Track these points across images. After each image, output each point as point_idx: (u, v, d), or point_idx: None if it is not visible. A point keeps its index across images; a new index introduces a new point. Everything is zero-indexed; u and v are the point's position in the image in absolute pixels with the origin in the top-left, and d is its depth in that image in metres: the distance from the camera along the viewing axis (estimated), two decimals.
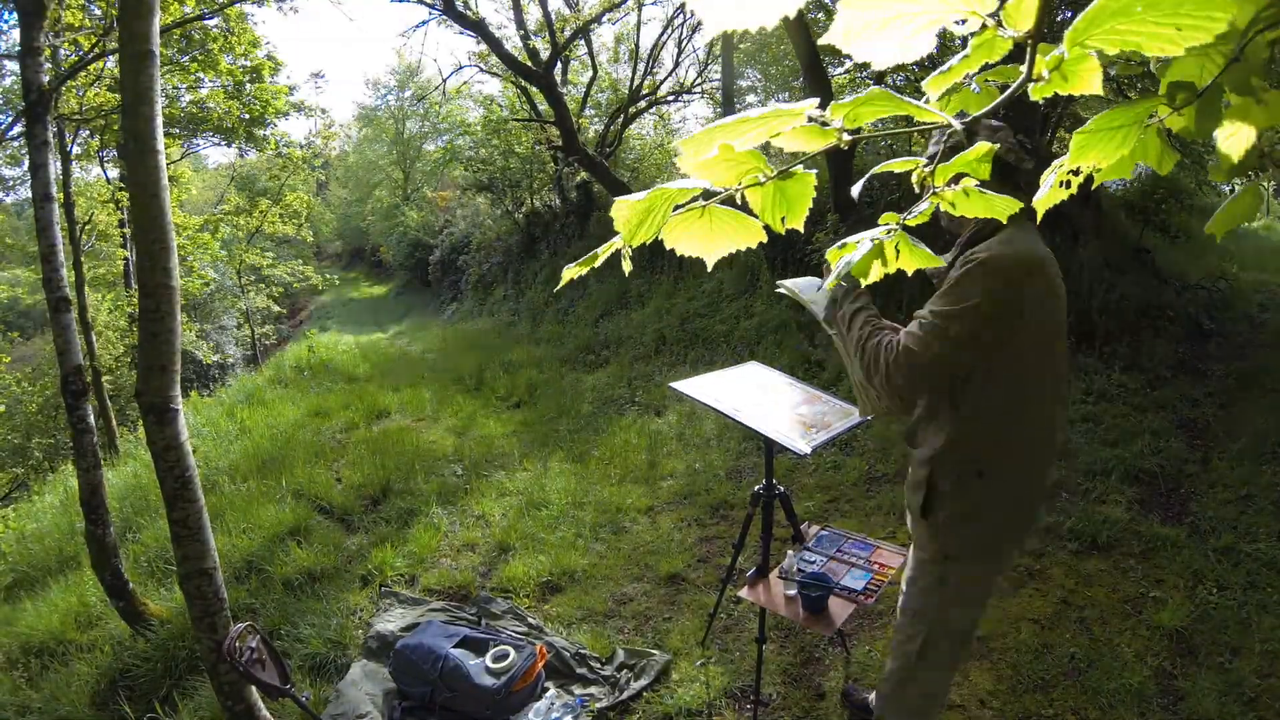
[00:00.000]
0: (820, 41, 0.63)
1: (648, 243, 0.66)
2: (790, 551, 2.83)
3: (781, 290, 2.52)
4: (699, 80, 16.19)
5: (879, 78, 7.70)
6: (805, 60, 7.34)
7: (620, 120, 14.39)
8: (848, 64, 11.20)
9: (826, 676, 3.25)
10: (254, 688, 2.76)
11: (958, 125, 0.61)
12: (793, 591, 2.66)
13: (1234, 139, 0.57)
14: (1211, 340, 6.06)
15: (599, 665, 3.44)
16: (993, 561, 2.03)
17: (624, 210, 0.63)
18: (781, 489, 2.96)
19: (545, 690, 3.25)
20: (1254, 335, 6.09)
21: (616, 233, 0.72)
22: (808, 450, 2.54)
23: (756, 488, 2.99)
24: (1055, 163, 0.74)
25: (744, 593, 2.77)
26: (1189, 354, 5.83)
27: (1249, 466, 4.37)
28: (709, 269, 0.73)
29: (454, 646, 3.29)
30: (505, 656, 3.24)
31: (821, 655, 3.39)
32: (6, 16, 9.43)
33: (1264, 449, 4.48)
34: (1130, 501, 4.27)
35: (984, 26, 0.50)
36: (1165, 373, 5.52)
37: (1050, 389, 1.90)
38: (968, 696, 3.04)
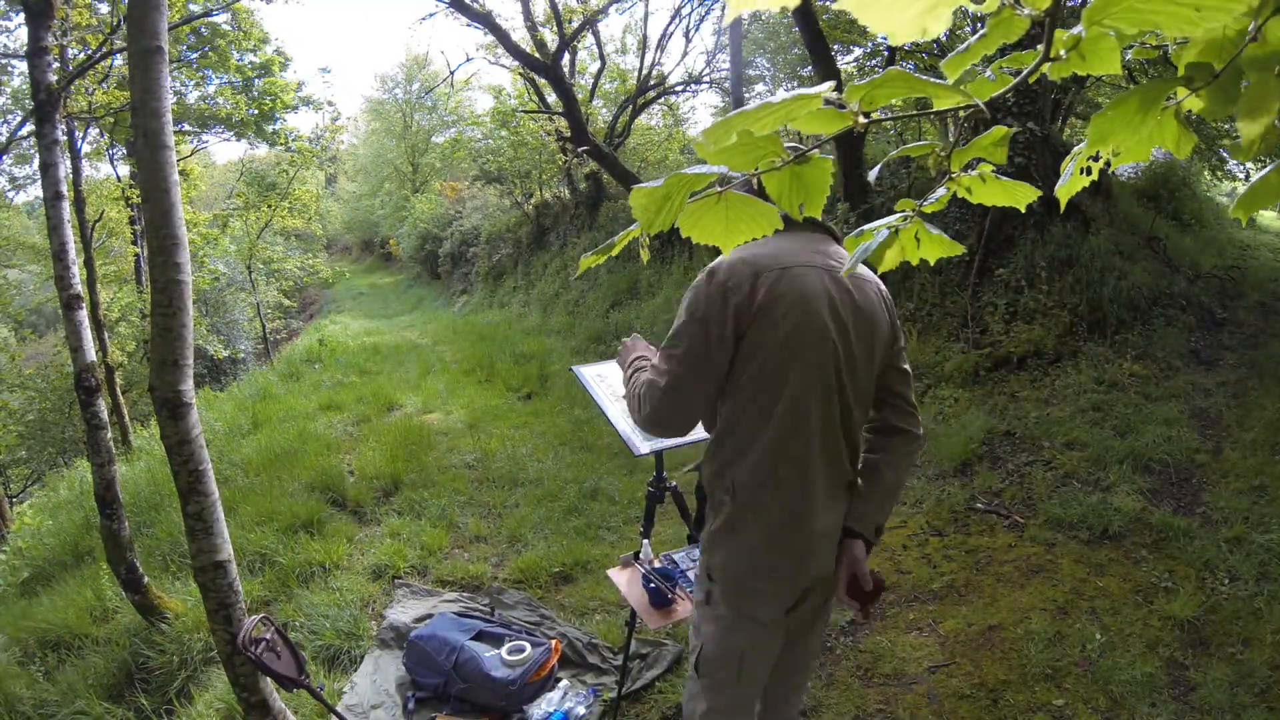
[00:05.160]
0: (835, 6, 0.62)
1: (664, 231, 0.65)
2: (646, 541, 2.81)
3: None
4: (707, 70, 16.16)
5: (888, 64, 7.65)
6: (812, 47, 7.29)
7: (629, 111, 14.37)
8: (856, 51, 11.15)
9: (838, 666, 3.25)
10: (269, 679, 2.78)
11: (981, 104, 0.60)
12: (639, 580, 2.63)
13: (1252, 118, 0.56)
14: (1224, 329, 6.02)
15: (611, 655, 3.45)
16: (744, 595, 1.78)
17: (642, 198, 0.63)
18: (673, 484, 2.92)
19: (558, 681, 3.27)
20: (1267, 324, 6.04)
21: (629, 223, 0.71)
22: (644, 450, 2.55)
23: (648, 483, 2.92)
24: (1075, 150, 0.73)
25: (611, 572, 2.76)
26: (1201, 343, 5.79)
27: (1261, 456, 4.34)
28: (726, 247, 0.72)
29: (469, 639, 3.31)
30: (521, 650, 3.26)
31: (833, 645, 3.39)
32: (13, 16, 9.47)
33: (1277, 439, 4.45)
34: (1141, 491, 4.25)
35: (1002, 5, 0.50)
36: (1177, 362, 5.49)
37: (807, 413, 1.69)
38: (978, 686, 3.04)
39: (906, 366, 1.89)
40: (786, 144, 0.65)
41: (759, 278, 1.66)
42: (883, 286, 1.88)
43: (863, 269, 1.76)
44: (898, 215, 0.70)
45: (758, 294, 1.65)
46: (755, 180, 0.65)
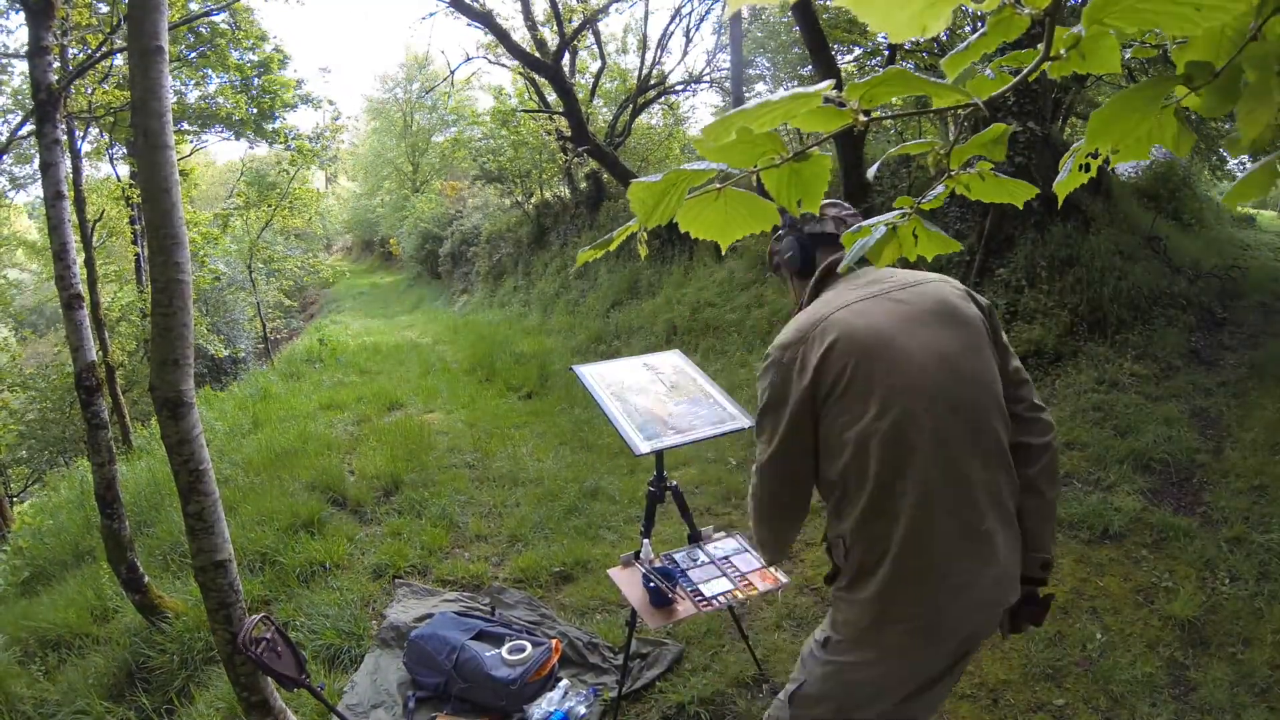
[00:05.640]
0: (835, 4, 0.62)
1: (662, 229, 0.66)
2: (647, 541, 2.81)
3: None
4: (708, 69, 16.18)
5: (888, 63, 7.63)
6: (812, 45, 7.29)
7: (629, 110, 14.37)
8: (855, 50, 11.15)
9: None
10: (269, 678, 2.78)
11: (979, 102, 0.60)
12: (639, 579, 2.62)
13: (1252, 117, 0.56)
14: (1224, 329, 6.01)
15: (612, 654, 3.45)
16: (875, 651, 1.64)
17: (640, 192, 0.63)
18: (674, 484, 2.92)
19: (559, 680, 3.27)
20: (1267, 324, 6.04)
21: (629, 222, 0.72)
22: (644, 450, 2.55)
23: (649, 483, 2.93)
24: (1073, 147, 0.73)
25: (611, 572, 2.76)
26: (1201, 343, 5.79)
27: (1262, 456, 4.34)
28: (722, 253, 0.73)
29: (470, 639, 3.31)
30: (522, 650, 3.26)
31: None
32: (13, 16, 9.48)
33: (1277, 439, 4.45)
34: (1142, 491, 4.25)
35: (1002, 4, 0.50)
36: (1177, 361, 5.49)
37: (908, 454, 1.53)
38: (978, 685, 3.04)
39: (1017, 363, 1.74)
40: (790, 139, 0.65)
41: (808, 340, 1.61)
42: (958, 284, 1.76)
43: (921, 274, 1.73)
44: (896, 212, 0.70)
45: (810, 357, 1.59)
46: (754, 177, 0.65)
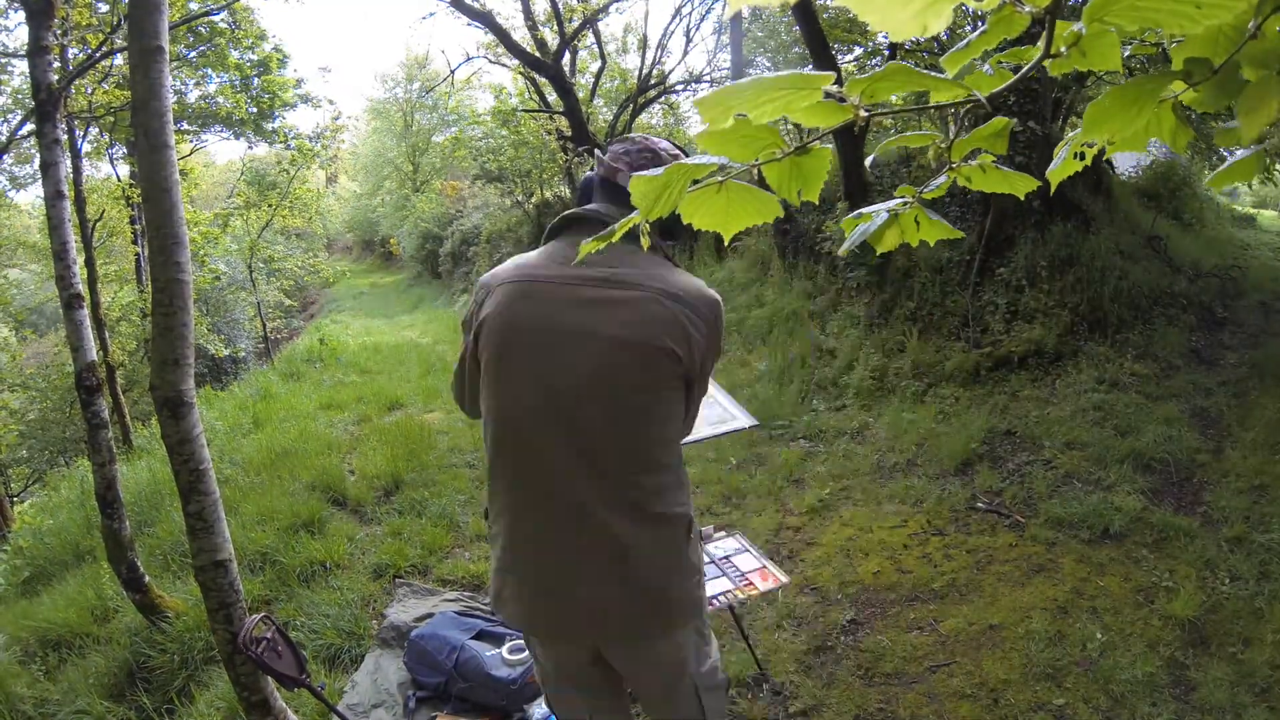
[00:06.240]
0: (835, 3, 0.62)
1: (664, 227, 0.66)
2: None
3: None
4: (708, 69, 16.21)
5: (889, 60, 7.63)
6: (812, 45, 7.29)
7: (629, 110, 14.39)
8: (856, 50, 11.16)
9: (839, 665, 3.25)
10: (269, 678, 2.78)
11: (982, 98, 0.61)
12: None
13: (1253, 114, 0.56)
14: (1225, 329, 6.01)
15: None
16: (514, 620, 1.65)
17: (641, 185, 0.63)
18: None
19: None
20: (1267, 324, 6.04)
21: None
22: None
23: None
24: (1069, 136, 0.73)
25: None
26: (1202, 343, 5.79)
27: (1262, 456, 4.34)
28: (726, 243, 0.73)
29: (470, 638, 3.31)
30: (522, 649, 3.26)
31: (833, 644, 3.39)
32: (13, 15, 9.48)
33: (1277, 438, 4.45)
34: (1142, 491, 4.25)
35: (1003, 2, 0.50)
36: (1178, 361, 5.49)
37: (509, 442, 1.53)
38: (978, 685, 3.04)
39: (670, 409, 1.53)
40: (790, 131, 0.65)
41: (489, 291, 1.58)
42: (675, 304, 1.49)
43: (632, 278, 1.51)
44: (898, 200, 0.70)
45: (482, 309, 1.56)
46: (755, 170, 0.66)
